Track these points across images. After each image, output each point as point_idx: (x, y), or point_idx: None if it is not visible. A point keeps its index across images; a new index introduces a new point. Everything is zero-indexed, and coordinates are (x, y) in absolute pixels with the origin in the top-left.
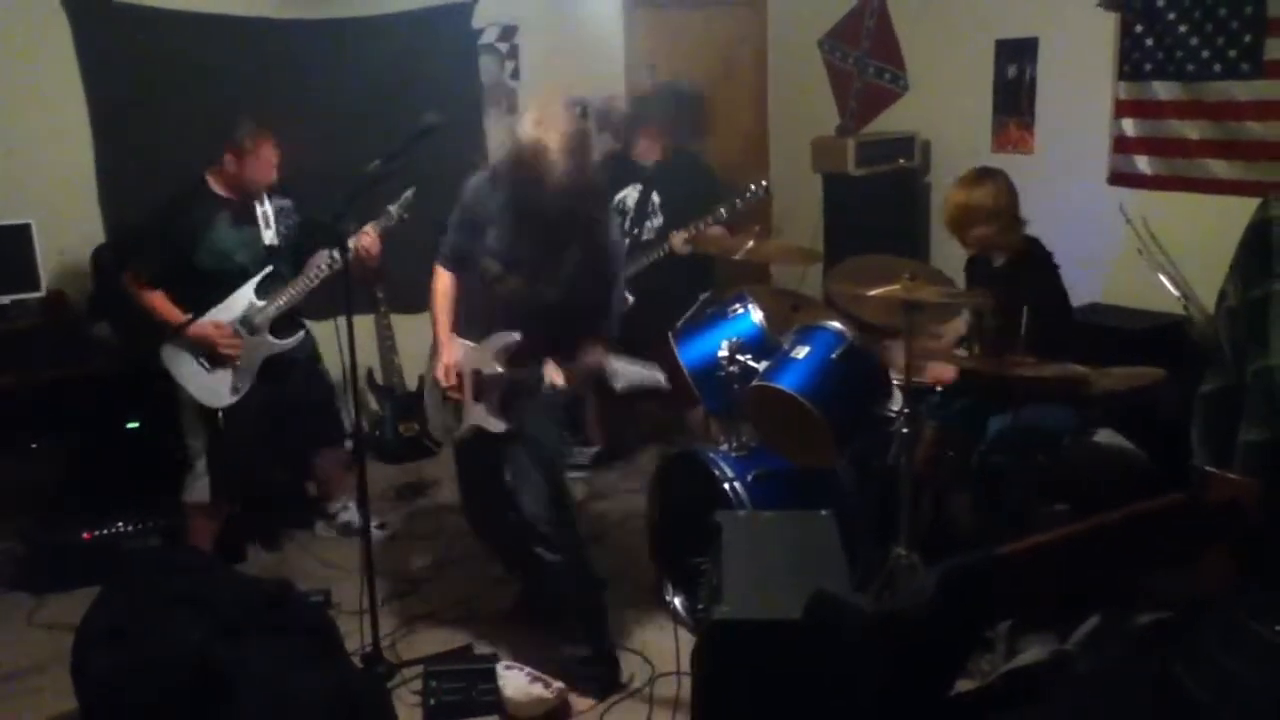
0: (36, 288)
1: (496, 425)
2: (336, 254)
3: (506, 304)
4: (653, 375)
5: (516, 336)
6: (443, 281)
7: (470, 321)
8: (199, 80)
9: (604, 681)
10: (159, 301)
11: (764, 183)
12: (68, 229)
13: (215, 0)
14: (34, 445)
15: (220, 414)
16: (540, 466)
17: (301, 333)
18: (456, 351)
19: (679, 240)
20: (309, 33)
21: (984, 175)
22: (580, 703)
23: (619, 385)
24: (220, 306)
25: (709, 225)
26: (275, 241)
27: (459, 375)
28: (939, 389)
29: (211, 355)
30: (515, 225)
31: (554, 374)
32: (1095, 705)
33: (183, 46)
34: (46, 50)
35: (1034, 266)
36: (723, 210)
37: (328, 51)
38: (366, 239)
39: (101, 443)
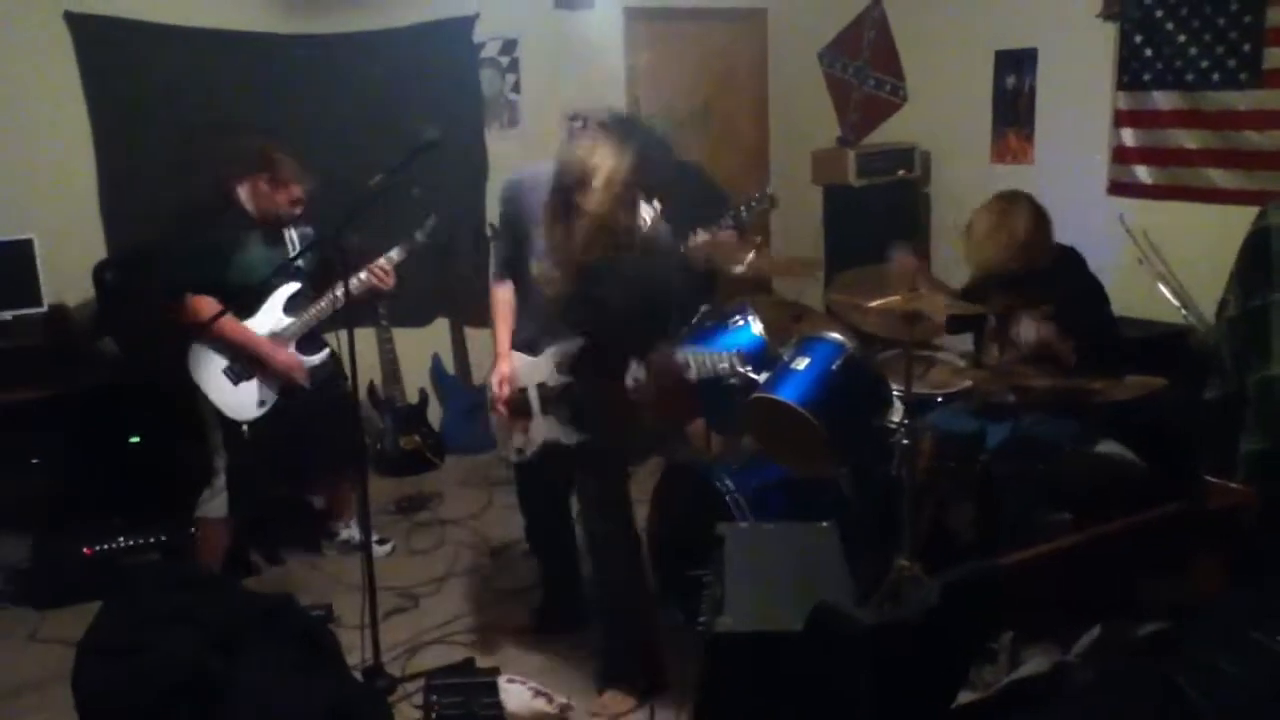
0: (38, 303)
1: (570, 436)
2: (361, 277)
3: (560, 308)
4: (727, 359)
5: (579, 343)
6: (499, 294)
7: (524, 331)
8: (201, 95)
9: (647, 680)
10: (211, 305)
11: (770, 190)
12: (70, 244)
13: (217, 16)
14: (35, 460)
15: (246, 429)
16: (610, 486)
17: (326, 350)
18: (514, 365)
19: (694, 246)
20: (312, 48)
21: (1010, 202)
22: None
23: (692, 375)
24: (249, 322)
25: (720, 230)
26: (302, 264)
27: (515, 390)
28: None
29: (237, 368)
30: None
31: (637, 372)
32: (1098, 716)
33: (185, 62)
34: (49, 65)
35: (1066, 265)
36: (730, 219)
37: (330, 66)
38: (383, 273)
39: (103, 458)
